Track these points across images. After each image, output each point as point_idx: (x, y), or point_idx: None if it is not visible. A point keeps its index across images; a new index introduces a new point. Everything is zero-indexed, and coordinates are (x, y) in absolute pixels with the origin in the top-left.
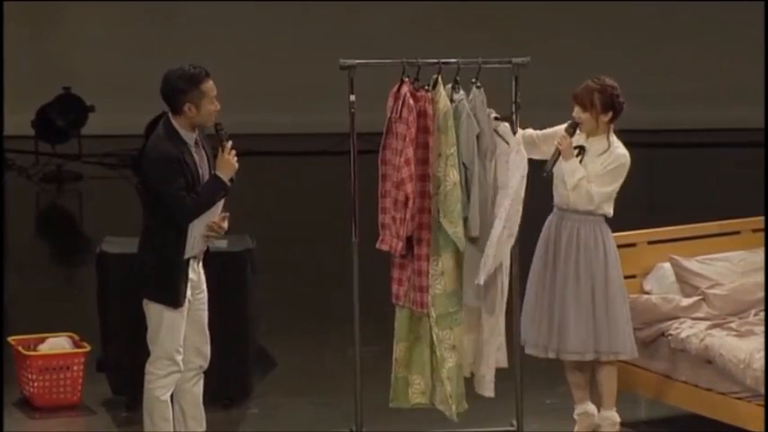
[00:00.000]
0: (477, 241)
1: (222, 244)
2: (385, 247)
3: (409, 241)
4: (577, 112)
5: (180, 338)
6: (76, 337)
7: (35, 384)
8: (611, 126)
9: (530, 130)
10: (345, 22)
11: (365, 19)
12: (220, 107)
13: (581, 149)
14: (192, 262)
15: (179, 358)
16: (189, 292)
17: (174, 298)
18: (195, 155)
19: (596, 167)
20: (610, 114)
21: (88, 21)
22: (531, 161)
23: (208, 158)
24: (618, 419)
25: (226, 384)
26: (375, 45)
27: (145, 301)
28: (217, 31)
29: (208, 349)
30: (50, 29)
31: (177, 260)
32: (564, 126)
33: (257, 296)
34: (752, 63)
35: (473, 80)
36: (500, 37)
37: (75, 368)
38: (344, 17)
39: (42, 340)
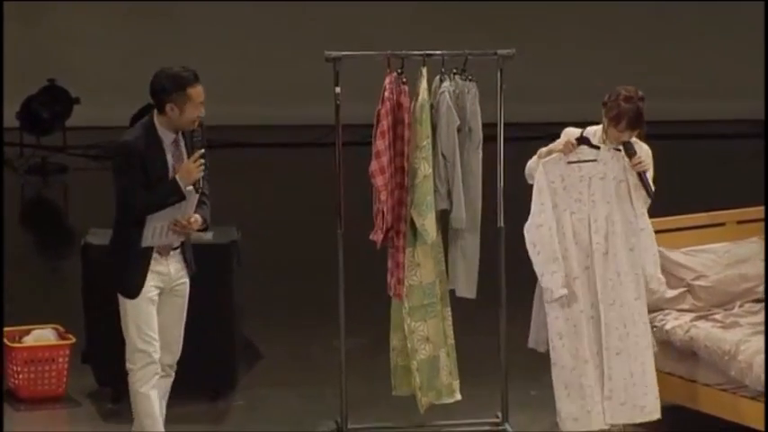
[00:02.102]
0: (472, 234)
1: (207, 236)
2: (374, 238)
3: (392, 233)
4: (629, 135)
5: (149, 329)
6: (61, 329)
7: (20, 376)
8: None
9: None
10: (335, 15)
11: (355, 11)
12: (207, 100)
13: (628, 147)
14: (156, 255)
15: (151, 350)
16: (157, 283)
17: (128, 288)
18: (170, 154)
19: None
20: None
21: (74, 14)
22: None
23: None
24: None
25: (211, 376)
26: (368, 39)
27: (117, 295)
28: (204, 24)
29: (178, 346)
30: (36, 22)
31: (134, 250)
32: (623, 154)
33: (243, 288)
34: (738, 56)
35: (458, 71)
36: (500, 36)
37: (61, 360)
38: (335, 10)
39: (27, 332)
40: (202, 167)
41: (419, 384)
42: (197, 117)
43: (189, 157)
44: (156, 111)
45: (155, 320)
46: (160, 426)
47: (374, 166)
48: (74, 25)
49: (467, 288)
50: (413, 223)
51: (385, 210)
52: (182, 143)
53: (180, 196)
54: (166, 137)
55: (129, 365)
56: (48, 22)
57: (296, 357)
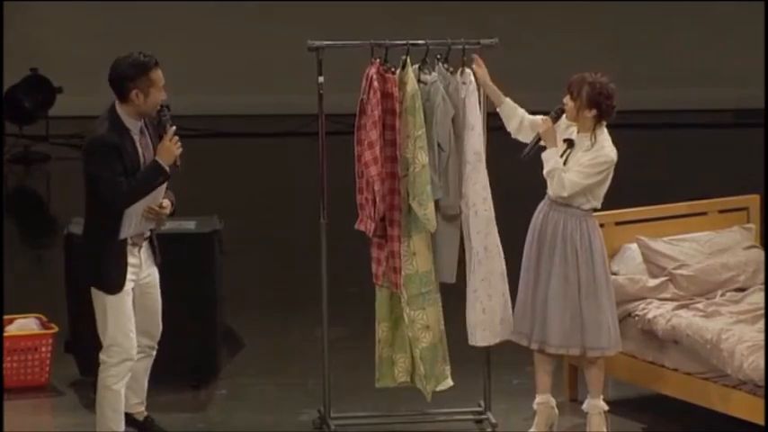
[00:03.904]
0: (453, 221)
1: (190, 225)
2: (362, 228)
3: (384, 222)
4: (567, 98)
5: (127, 324)
6: (44, 319)
7: (3, 366)
8: (599, 125)
9: (522, 111)
10: (318, 5)
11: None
12: (190, 89)
13: (570, 143)
14: (130, 246)
15: (129, 345)
16: (131, 276)
17: (108, 283)
18: (138, 143)
19: (579, 162)
20: (594, 112)
21: (57, 3)
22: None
23: (154, 146)
24: (605, 407)
25: (194, 366)
26: (349, 27)
27: (92, 289)
28: (186, 12)
29: (158, 331)
30: (18, 10)
31: (112, 244)
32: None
33: (225, 277)
34: (721, 45)
35: (442, 60)
36: (480, 26)
37: (44, 349)
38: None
39: (10, 321)
40: (179, 144)
41: (423, 373)
42: (160, 100)
43: (154, 141)
44: (116, 103)
45: (132, 313)
46: (122, 424)
47: (368, 155)
48: (56, 14)
49: (446, 272)
50: (408, 213)
51: (378, 199)
52: (146, 132)
53: (165, 176)
54: (133, 126)
55: (103, 358)
56: (30, 11)
57: (278, 346)
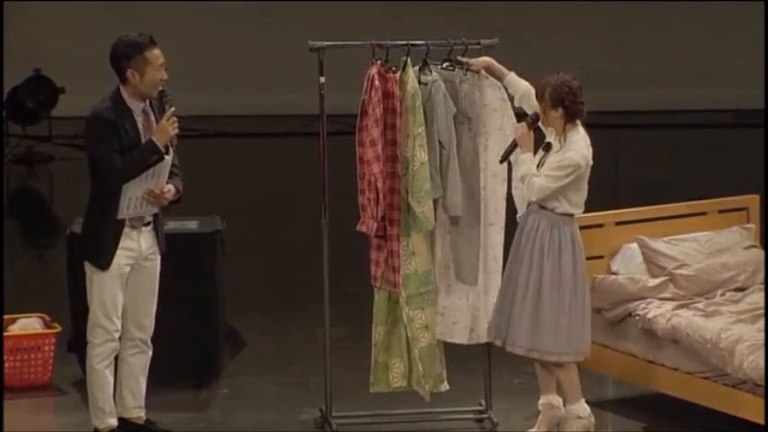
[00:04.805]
0: (471, 223)
1: (192, 225)
2: (363, 229)
3: (384, 222)
4: (539, 106)
5: (112, 306)
6: (47, 318)
7: (6, 365)
8: (571, 125)
9: (523, 88)
10: (319, 5)
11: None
12: (190, 89)
13: (548, 146)
14: (128, 229)
15: (112, 328)
16: (127, 261)
17: (98, 257)
18: (140, 123)
19: (549, 165)
20: (560, 111)
21: (59, 3)
22: None
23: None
24: (586, 410)
25: (195, 365)
26: (349, 27)
27: (85, 264)
28: (186, 12)
29: (149, 323)
30: (18, 10)
31: (108, 221)
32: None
33: (227, 277)
34: (717, 45)
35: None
36: (480, 25)
37: (46, 349)
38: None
39: (13, 321)
40: (176, 125)
41: (421, 373)
42: (159, 80)
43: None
44: (120, 84)
45: (120, 297)
46: (111, 403)
47: (370, 153)
48: (56, 14)
49: (470, 276)
50: (408, 212)
51: (380, 198)
52: (151, 114)
53: (160, 154)
54: (135, 107)
55: (89, 337)
56: (30, 11)
57: (280, 346)
